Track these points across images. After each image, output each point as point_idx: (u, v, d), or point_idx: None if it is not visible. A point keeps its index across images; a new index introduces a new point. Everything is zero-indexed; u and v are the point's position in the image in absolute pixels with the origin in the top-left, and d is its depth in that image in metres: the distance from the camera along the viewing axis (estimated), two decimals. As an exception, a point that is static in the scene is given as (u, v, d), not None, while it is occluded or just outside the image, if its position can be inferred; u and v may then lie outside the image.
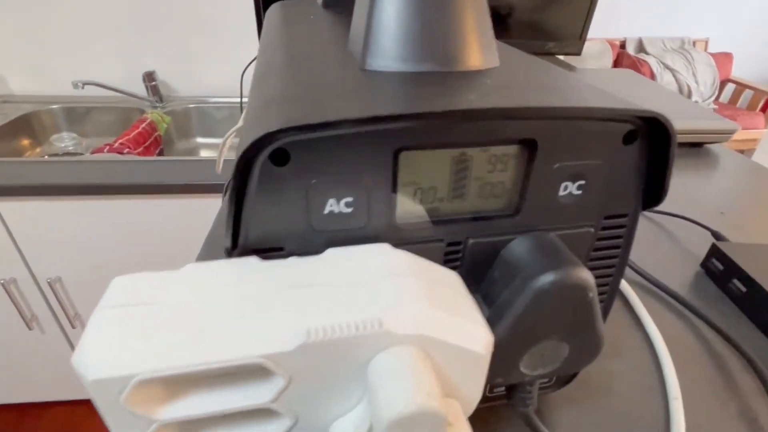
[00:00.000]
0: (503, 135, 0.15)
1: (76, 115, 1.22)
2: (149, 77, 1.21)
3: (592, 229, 0.18)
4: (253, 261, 0.14)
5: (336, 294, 0.13)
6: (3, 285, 0.93)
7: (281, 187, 0.14)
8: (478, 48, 0.17)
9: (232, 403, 0.13)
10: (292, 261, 0.14)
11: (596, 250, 0.19)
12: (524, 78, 0.17)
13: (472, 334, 0.14)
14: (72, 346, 1.07)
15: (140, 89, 1.22)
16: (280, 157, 0.13)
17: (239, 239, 0.15)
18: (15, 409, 1.19)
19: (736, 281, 0.33)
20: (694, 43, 2.40)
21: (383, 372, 0.12)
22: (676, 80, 2.25)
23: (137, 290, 0.13)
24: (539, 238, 0.17)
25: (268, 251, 0.15)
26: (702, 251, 0.38)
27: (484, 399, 0.23)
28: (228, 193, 0.14)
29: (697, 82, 2.27)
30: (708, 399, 0.26)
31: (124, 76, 1.23)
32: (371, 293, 0.13)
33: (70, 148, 1.22)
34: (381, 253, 0.15)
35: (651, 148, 0.16)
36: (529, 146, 0.15)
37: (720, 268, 0.35)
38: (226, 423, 0.14)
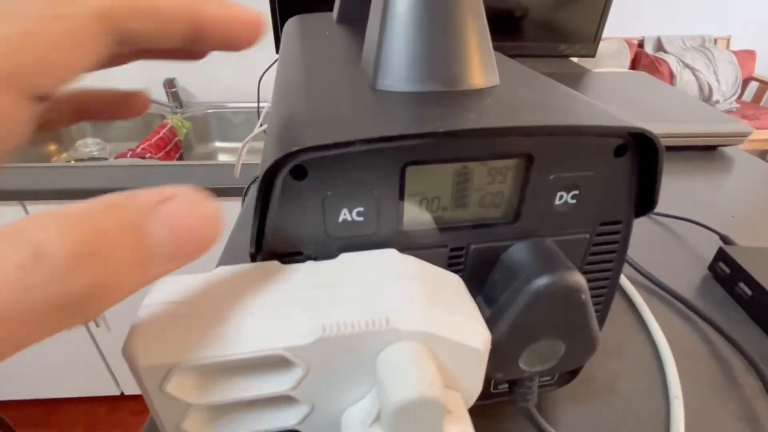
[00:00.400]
0: (501, 150, 0.16)
1: (98, 124, 1.27)
2: (170, 84, 1.26)
3: (588, 236, 0.19)
4: (275, 265, 0.16)
5: (348, 294, 0.15)
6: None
7: (300, 198, 0.16)
8: (480, 68, 0.19)
9: (256, 390, 0.15)
10: (309, 265, 0.16)
11: (592, 255, 0.20)
12: (522, 96, 0.18)
13: (471, 332, 0.15)
14: (96, 345, 1.11)
15: (161, 95, 1.27)
16: (299, 173, 0.15)
17: (263, 245, 0.16)
18: (44, 404, 1.24)
19: (742, 284, 0.33)
20: (715, 41, 2.35)
21: (390, 364, 0.14)
22: (697, 79, 2.21)
23: (177, 290, 0.15)
24: (537, 243, 0.18)
25: (288, 256, 0.17)
26: (710, 255, 0.38)
27: (488, 396, 0.24)
28: (252, 205, 0.15)
29: (718, 80, 2.22)
30: (709, 400, 0.27)
31: (146, 83, 1.27)
32: (380, 294, 0.15)
33: (95, 153, 1.26)
34: (389, 257, 0.17)
35: (641, 160, 0.18)
36: (526, 160, 0.17)
37: (727, 272, 0.35)
38: (250, 409, 0.16)
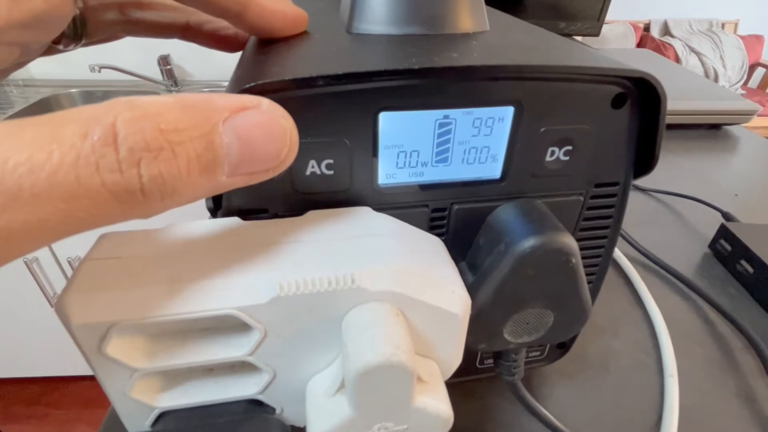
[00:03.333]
0: (487, 96, 0.15)
1: (93, 99, 1.25)
2: (164, 61, 1.23)
3: (581, 198, 0.18)
4: (234, 221, 0.15)
5: (312, 251, 0.13)
6: (26, 264, 0.97)
7: (262, 147, 0.14)
8: (467, 11, 0.17)
9: (210, 355, 0.13)
10: (272, 222, 0.15)
11: (586, 219, 0.18)
12: (512, 40, 0.17)
13: (448, 295, 0.14)
14: (92, 323, 1.11)
15: (155, 73, 1.24)
16: (260, 116, 0.13)
17: (222, 199, 0.15)
18: (39, 382, 1.24)
19: (743, 262, 0.32)
20: (723, 25, 2.30)
21: (354, 326, 0.12)
22: (702, 64, 2.16)
23: (122, 245, 0.13)
24: (525, 204, 0.17)
25: (251, 213, 0.15)
26: (711, 233, 0.37)
27: (474, 371, 0.23)
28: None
29: (724, 66, 2.18)
30: (706, 378, 0.26)
31: (140, 60, 1.24)
32: (348, 251, 0.13)
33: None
34: (362, 215, 0.15)
35: (642, 114, 0.16)
36: (515, 108, 0.15)
37: (728, 249, 0.34)
38: (207, 378, 0.15)
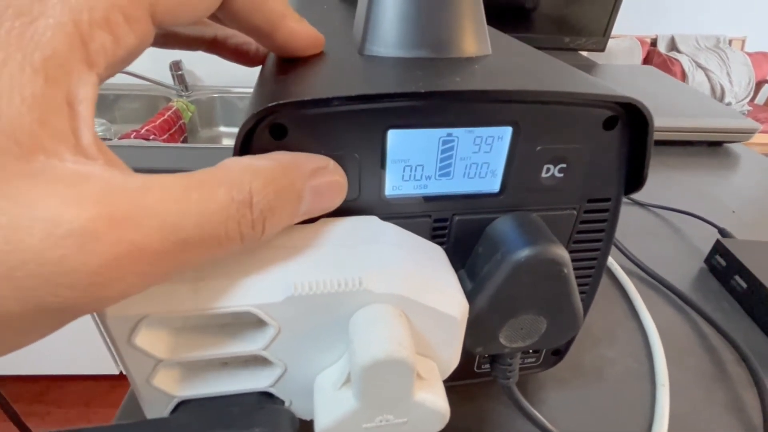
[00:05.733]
0: (487, 117, 0.16)
1: (105, 102, 1.27)
2: (176, 66, 1.25)
3: (575, 212, 0.19)
4: (252, 226, 0.16)
5: (323, 255, 0.14)
6: (35, 261, 0.98)
7: (279, 159, 0.15)
8: (471, 36, 0.18)
9: (228, 349, 0.14)
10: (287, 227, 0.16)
11: (579, 233, 0.19)
12: (512, 64, 0.18)
13: (448, 299, 0.15)
14: (96, 323, 1.13)
15: (167, 78, 1.26)
16: (278, 131, 0.15)
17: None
18: (40, 380, 1.26)
19: (737, 278, 0.33)
20: (730, 42, 2.31)
21: (360, 324, 0.13)
22: (709, 80, 2.17)
23: (149, 245, 0.15)
24: (521, 217, 0.18)
25: (267, 219, 0.17)
26: (707, 249, 0.38)
27: (472, 375, 0.24)
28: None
29: (731, 82, 2.19)
30: (697, 388, 0.27)
31: (152, 64, 1.27)
32: (356, 256, 0.15)
33: (99, 133, 1.27)
34: (369, 223, 0.16)
35: (632, 134, 0.17)
36: (513, 128, 0.16)
37: (723, 265, 0.35)
38: (223, 370, 0.16)
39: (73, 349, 1.17)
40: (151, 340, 0.14)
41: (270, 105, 0.14)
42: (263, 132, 0.15)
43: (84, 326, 1.12)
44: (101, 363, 1.22)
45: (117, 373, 1.25)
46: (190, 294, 0.13)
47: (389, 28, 0.18)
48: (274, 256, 0.14)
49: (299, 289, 0.13)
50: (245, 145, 0.15)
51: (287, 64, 0.17)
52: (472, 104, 0.16)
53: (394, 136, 0.16)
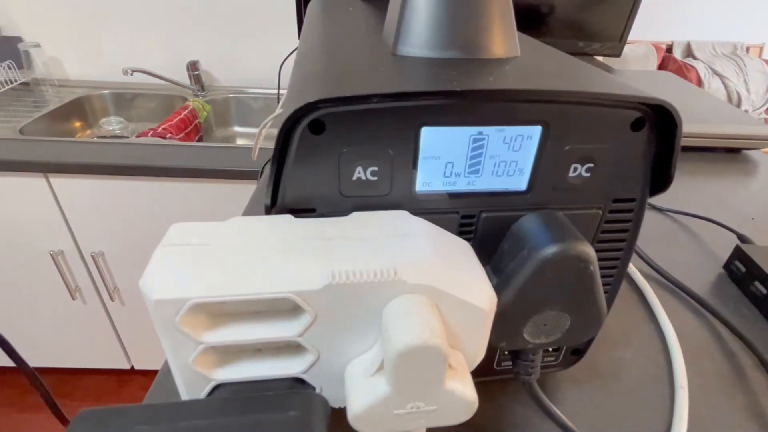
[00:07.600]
0: (518, 116, 0.16)
1: (123, 101, 1.30)
2: (193, 66, 1.27)
3: (600, 211, 0.19)
4: (288, 217, 0.17)
5: (359, 246, 0.15)
6: (52, 256, 1.00)
7: (316, 153, 0.16)
8: (500, 38, 0.19)
9: (264, 334, 0.15)
10: (321, 219, 0.16)
11: (604, 232, 0.20)
12: (541, 66, 0.19)
13: (476, 292, 0.15)
14: (110, 318, 1.14)
15: (184, 78, 1.28)
16: (317, 127, 0.15)
17: (278, 198, 0.17)
18: (54, 372, 1.28)
19: (757, 283, 0.33)
20: (747, 49, 2.28)
21: (395, 313, 0.14)
22: (725, 87, 2.14)
23: (191, 234, 0.15)
24: (548, 215, 0.18)
25: (301, 212, 0.17)
26: (726, 254, 0.38)
27: (492, 372, 0.24)
28: (270, 158, 0.16)
29: (748, 90, 2.15)
30: (715, 392, 0.26)
31: (170, 64, 1.29)
32: (390, 248, 0.15)
33: (117, 131, 1.29)
34: (400, 217, 0.17)
35: (659, 136, 0.18)
36: (542, 128, 0.17)
37: (742, 270, 0.35)
38: (258, 356, 0.16)
39: (86, 344, 1.19)
40: (193, 324, 0.14)
41: (310, 101, 0.14)
42: (303, 127, 0.15)
43: (98, 321, 1.14)
44: (114, 358, 1.24)
45: (128, 368, 1.27)
46: (232, 279, 0.14)
47: (421, 29, 0.18)
48: (311, 245, 0.15)
49: (337, 277, 0.14)
50: (286, 140, 0.15)
51: (324, 57, 0.18)
52: (504, 103, 0.16)
53: (427, 134, 0.16)
